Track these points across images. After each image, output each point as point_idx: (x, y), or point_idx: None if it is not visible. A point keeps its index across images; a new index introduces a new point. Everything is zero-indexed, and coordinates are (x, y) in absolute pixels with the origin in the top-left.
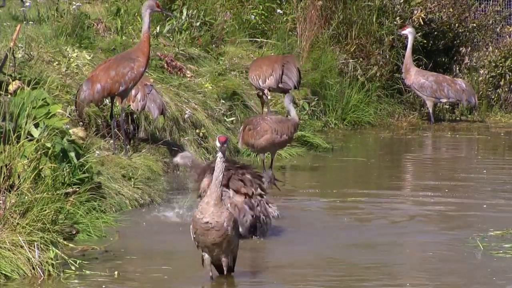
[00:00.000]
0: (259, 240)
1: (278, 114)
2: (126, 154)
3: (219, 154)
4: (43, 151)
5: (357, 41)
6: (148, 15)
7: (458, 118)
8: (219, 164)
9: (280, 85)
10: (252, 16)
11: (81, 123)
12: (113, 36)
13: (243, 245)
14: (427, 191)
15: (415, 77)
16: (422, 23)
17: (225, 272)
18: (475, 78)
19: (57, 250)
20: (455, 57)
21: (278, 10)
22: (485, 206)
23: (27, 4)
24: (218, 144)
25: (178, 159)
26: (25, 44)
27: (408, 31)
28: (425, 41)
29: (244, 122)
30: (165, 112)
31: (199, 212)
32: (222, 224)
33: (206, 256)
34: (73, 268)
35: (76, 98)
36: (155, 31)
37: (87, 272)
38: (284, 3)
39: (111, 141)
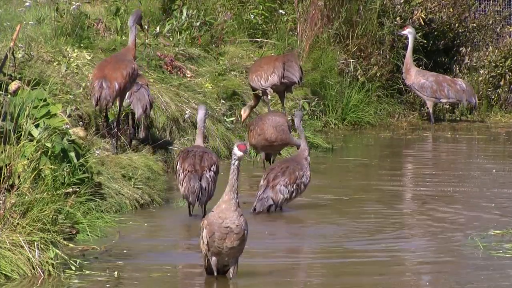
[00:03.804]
0: (259, 240)
1: (279, 114)
2: (119, 150)
3: (236, 162)
4: (43, 151)
5: (358, 41)
6: (135, 28)
7: (458, 118)
8: (235, 171)
9: (283, 80)
10: (252, 16)
11: (81, 123)
12: (113, 36)
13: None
14: (427, 191)
15: (415, 77)
16: (423, 23)
17: (231, 275)
18: (475, 78)
19: (57, 250)
20: (455, 57)
21: (280, 11)
22: (487, 205)
23: (27, 4)
24: (238, 153)
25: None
26: (25, 44)
27: (408, 31)
28: (425, 41)
29: (248, 124)
30: (148, 112)
31: (218, 217)
32: (241, 228)
33: (214, 258)
34: (73, 268)
35: (92, 97)
36: (155, 31)
37: (87, 272)
38: (284, 3)
39: (112, 141)
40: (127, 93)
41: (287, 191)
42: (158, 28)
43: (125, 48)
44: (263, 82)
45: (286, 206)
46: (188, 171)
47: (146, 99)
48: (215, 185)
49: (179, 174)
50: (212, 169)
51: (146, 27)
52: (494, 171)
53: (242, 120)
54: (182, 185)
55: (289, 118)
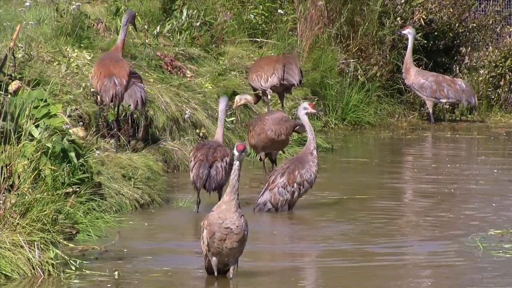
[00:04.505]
0: (262, 238)
1: (277, 111)
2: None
3: (236, 162)
4: (43, 151)
5: (359, 42)
6: (127, 27)
7: (458, 118)
8: (236, 172)
9: (283, 82)
10: (252, 16)
11: (81, 123)
12: (113, 36)
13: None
14: (427, 191)
15: (415, 77)
16: (423, 23)
17: (231, 275)
18: (475, 78)
19: (57, 250)
20: (455, 57)
21: (279, 11)
22: (487, 205)
23: (27, 4)
24: (236, 153)
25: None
26: (25, 44)
27: (408, 32)
28: (425, 41)
29: (248, 124)
30: (139, 108)
31: (218, 217)
32: (241, 228)
33: (214, 259)
34: (73, 268)
35: (106, 94)
36: (155, 31)
37: (87, 272)
38: (284, 3)
39: (112, 141)
40: None
41: (286, 192)
42: (158, 28)
43: (114, 47)
44: (263, 83)
45: (288, 205)
46: (200, 159)
47: (137, 95)
48: (227, 175)
49: (190, 161)
50: (224, 160)
51: (146, 27)
52: (495, 171)
53: (234, 106)
54: (192, 172)
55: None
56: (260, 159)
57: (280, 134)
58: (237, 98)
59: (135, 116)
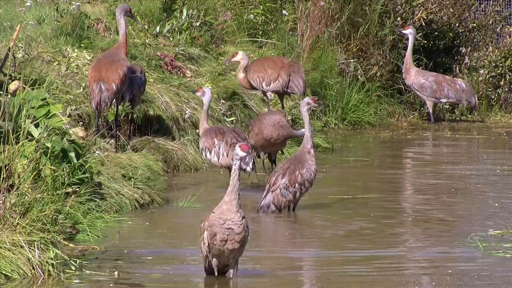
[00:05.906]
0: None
1: (276, 111)
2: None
3: (236, 162)
4: (43, 151)
5: (359, 41)
6: (123, 19)
7: (458, 118)
8: (236, 172)
9: (286, 90)
10: (252, 16)
11: (81, 123)
12: (113, 36)
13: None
14: (427, 191)
15: (415, 77)
16: (424, 23)
17: (231, 275)
18: (475, 78)
19: (57, 250)
20: (455, 57)
21: (284, 12)
22: (486, 205)
23: (28, 4)
24: (241, 153)
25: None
26: (25, 44)
27: (409, 32)
28: (425, 41)
29: (249, 123)
30: (136, 101)
31: (219, 218)
32: (243, 229)
33: (215, 260)
34: (73, 268)
35: (92, 100)
36: (155, 31)
37: (87, 272)
38: (285, 2)
39: (111, 141)
40: None
41: (288, 193)
42: (158, 28)
43: (116, 45)
44: (265, 86)
45: (289, 206)
46: (233, 143)
47: (130, 91)
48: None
49: (215, 147)
50: (246, 138)
51: (146, 27)
52: (497, 171)
53: (231, 59)
54: (225, 157)
55: (288, 118)
56: (259, 156)
57: (272, 137)
58: (240, 54)
59: (135, 116)
